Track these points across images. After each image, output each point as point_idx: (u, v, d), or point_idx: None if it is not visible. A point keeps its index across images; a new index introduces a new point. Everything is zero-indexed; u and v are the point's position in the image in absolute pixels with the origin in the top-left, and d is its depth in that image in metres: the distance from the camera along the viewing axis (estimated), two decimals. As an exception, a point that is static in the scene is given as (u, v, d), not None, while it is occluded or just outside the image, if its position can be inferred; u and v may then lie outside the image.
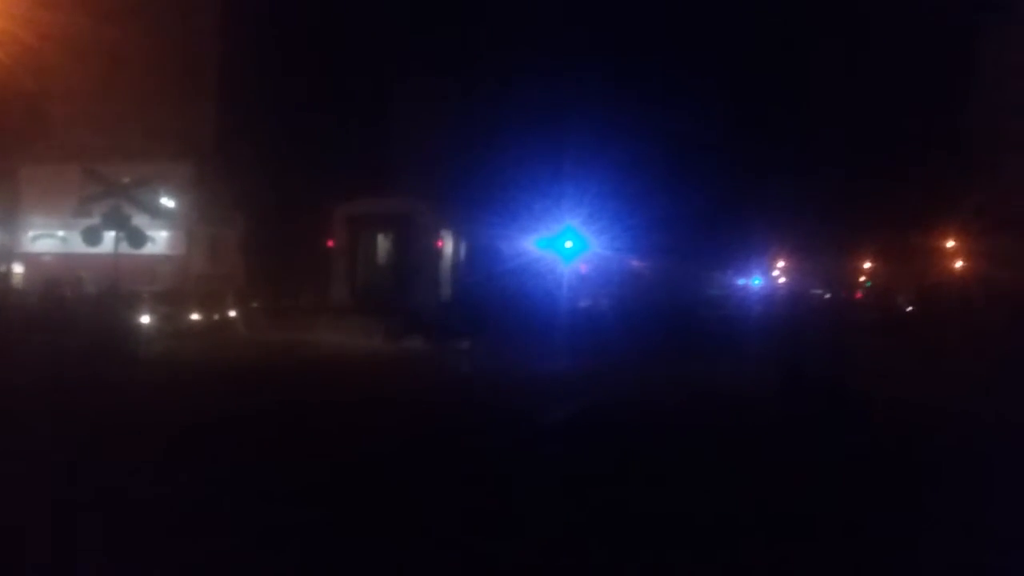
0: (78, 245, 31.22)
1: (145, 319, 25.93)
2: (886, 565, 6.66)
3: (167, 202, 37.02)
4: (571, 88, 43.17)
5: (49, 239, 39.58)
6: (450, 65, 40.94)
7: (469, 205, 31.27)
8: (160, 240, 36.86)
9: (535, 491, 8.39)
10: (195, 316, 28.57)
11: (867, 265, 64.05)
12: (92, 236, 29.04)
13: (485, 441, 10.92)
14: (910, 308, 44.41)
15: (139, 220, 31.30)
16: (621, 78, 47.19)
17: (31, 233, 40.25)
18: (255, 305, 32.65)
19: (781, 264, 79.41)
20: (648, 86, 47.99)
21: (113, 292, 26.85)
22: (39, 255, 39.43)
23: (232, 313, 30.58)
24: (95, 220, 29.87)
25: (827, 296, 63.12)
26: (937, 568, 6.62)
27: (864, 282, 64.56)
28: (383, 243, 27.38)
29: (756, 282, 77.19)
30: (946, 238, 49.12)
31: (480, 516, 7.52)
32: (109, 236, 28.25)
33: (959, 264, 48.10)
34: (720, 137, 55.57)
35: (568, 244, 31.59)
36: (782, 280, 79.04)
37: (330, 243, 27.07)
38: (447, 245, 26.95)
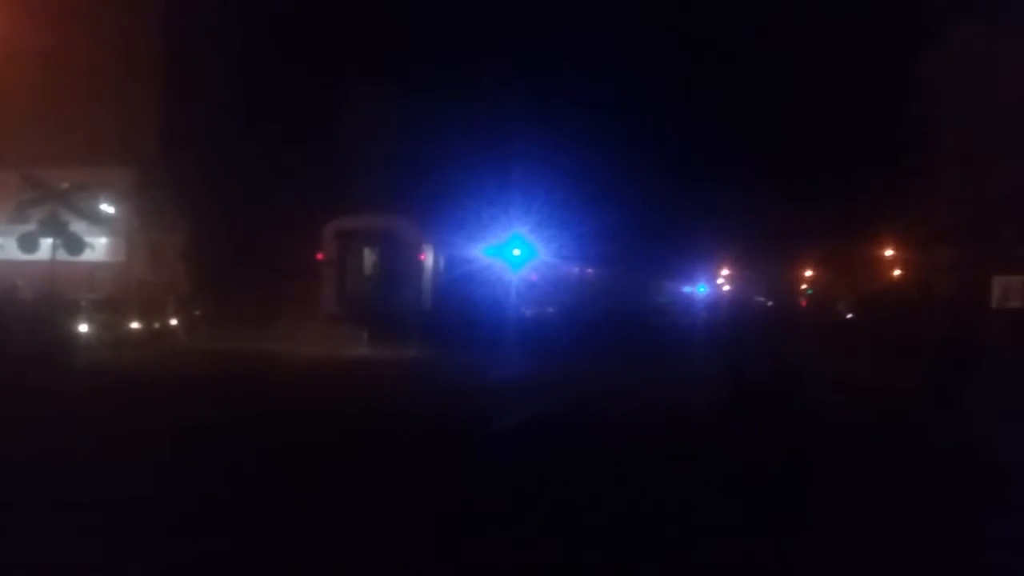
0: (14, 252, 30.40)
1: (83, 327, 25.32)
2: (831, 565, 6.76)
3: (107, 208, 36.14)
4: (519, 97, 43.29)
5: (-17, 245, 38.42)
6: (401, 73, 40.70)
7: (442, 218, 32.96)
8: (99, 247, 35.99)
9: (488, 497, 8.39)
10: (135, 324, 28.00)
11: (809, 273, 65.35)
12: (28, 243, 28.32)
13: (437, 448, 10.89)
14: (850, 315, 45.31)
15: (77, 226, 30.59)
16: (568, 88, 47.43)
17: (-36, 239, 39.03)
18: (198, 313, 32.06)
19: (726, 272, 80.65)
20: (595, 97, 48.31)
21: (50, 299, 26.12)
22: (-27, 262, 38.24)
23: (174, 321, 30.04)
24: (31, 226, 29.12)
25: (770, 304, 64.19)
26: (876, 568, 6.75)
27: (806, 290, 65.83)
28: (369, 256, 29.37)
29: (701, 290, 78.32)
30: (885, 247, 50.38)
31: (435, 521, 7.50)
32: (46, 243, 27.58)
33: (898, 273, 49.34)
34: (666, 147, 56.27)
35: (516, 252, 31.77)
36: (727, 288, 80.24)
37: (320, 256, 28.91)
38: (428, 258, 28.84)
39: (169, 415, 12.96)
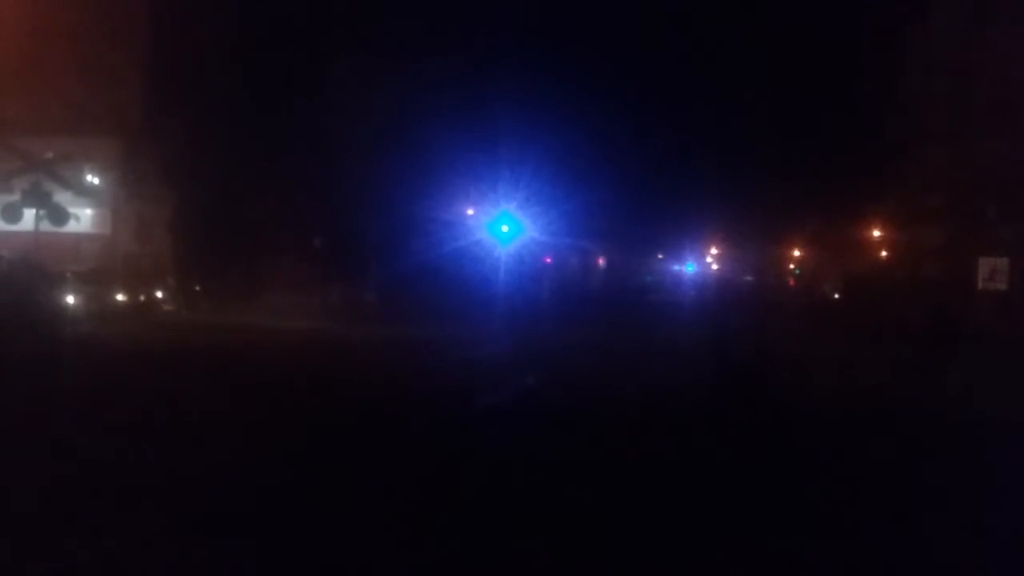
0: (-2, 222, 30.13)
1: (69, 299, 25.16)
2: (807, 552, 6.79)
3: (92, 178, 35.83)
4: (507, 76, 43.01)
5: (-34, 216, 38.01)
6: (386, 47, 40.32)
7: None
8: (84, 218, 35.70)
9: (479, 471, 8.42)
10: (121, 296, 27.83)
11: (796, 253, 65.47)
12: (12, 213, 28.04)
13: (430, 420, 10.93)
14: (837, 296, 45.50)
15: (61, 197, 30.31)
16: (557, 66, 47.25)
17: (-53, 210, 38.58)
18: (184, 286, 31.89)
19: (714, 251, 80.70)
20: (586, 75, 48.18)
21: (34, 271, 25.91)
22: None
23: (159, 293, 29.88)
24: (15, 197, 28.84)
25: (758, 283, 64.33)
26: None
27: (793, 270, 66.00)
28: None
29: (690, 268, 78.40)
30: (872, 229, 50.49)
31: (428, 494, 7.53)
32: (30, 213, 27.34)
33: (884, 254, 49.49)
34: (658, 126, 56.14)
35: (504, 228, 31.76)
36: (715, 267, 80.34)
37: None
38: None
39: (163, 388, 12.89)
